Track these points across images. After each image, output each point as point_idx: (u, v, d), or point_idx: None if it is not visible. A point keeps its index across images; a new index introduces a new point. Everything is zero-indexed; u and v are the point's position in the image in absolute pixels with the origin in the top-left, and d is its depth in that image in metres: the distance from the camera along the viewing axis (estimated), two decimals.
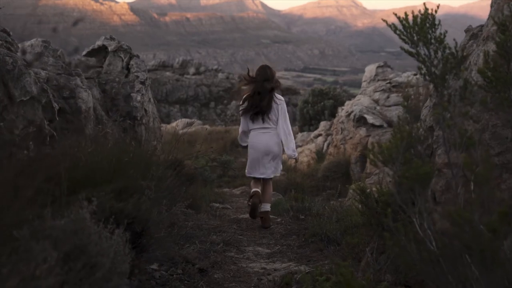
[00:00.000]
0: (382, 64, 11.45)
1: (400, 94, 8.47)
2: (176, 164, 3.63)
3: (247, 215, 4.81)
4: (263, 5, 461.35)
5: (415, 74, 10.40)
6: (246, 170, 4.61)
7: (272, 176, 4.51)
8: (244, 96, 4.49)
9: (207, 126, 16.96)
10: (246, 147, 4.66)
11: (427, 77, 1.71)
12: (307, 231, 3.80)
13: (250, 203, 4.35)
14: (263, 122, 4.37)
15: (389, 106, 8.37)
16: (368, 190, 2.40)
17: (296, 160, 4.80)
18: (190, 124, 17.55)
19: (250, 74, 4.45)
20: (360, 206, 2.47)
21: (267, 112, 4.33)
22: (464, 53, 1.64)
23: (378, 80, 10.24)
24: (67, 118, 4.52)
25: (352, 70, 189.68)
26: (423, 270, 1.74)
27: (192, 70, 41.77)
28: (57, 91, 4.59)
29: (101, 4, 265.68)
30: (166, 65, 42.87)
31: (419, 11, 1.74)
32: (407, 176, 1.49)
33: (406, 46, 1.78)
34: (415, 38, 1.74)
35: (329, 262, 2.90)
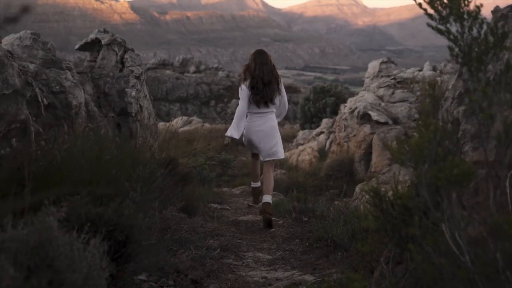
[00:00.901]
0: (385, 60, 11.19)
1: (405, 90, 8.19)
2: (168, 163, 3.35)
3: (246, 217, 4.55)
4: (264, 4, 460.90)
5: (419, 70, 10.12)
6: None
7: (274, 158, 4.30)
8: (244, 77, 4.29)
9: (206, 124, 16.68)
10: (235, 141, 4.30)
11: (459, 59, 1.43)
12: (312, 235, 3.52)
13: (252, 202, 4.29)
14: (264, 107, 4.23)
15: (394, 102, 8.08)
16: (384, 190, 2.11)
17: None
18: (188, 122, 17.27)
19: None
20: (373, 209, 2.18)
21: (272, 99, 4.20)
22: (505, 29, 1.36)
23: (382, 76, 9.95)
24: (56, 114, 4.27)
25: (352, 68, 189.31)
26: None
27: (192, 68, 41.58)
28: (46, 85, 4.34)
29: (102, 2, 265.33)
30: (166, 64, 42.67)
31: None
32: (440, 177, 1.22)
33: (433, 23, 1.50)
34: (445, 13, 1.47)
35: (337, 271, 2.63)
